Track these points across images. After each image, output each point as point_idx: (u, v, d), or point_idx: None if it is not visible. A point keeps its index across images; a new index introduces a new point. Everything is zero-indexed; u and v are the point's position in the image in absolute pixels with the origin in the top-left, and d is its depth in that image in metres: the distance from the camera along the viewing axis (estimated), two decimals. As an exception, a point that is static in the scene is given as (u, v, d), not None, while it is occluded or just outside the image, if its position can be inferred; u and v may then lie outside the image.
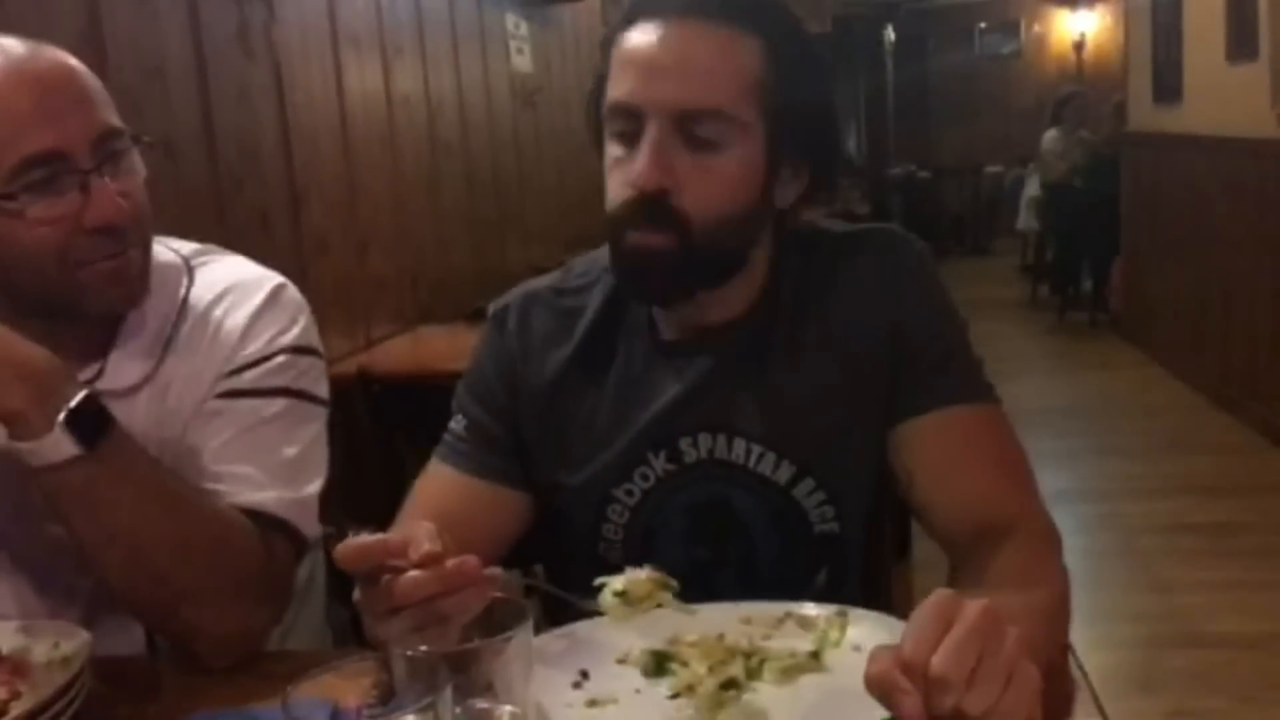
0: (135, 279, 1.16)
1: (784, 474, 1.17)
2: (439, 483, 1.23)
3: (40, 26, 1.89)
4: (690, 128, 1.06)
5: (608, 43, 1.13)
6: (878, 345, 1.17)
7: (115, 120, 1.13)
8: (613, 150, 1.11)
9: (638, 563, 1.14)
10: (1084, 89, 8.00)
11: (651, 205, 1.07)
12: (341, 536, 1.48)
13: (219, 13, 2.48)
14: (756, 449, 1.18)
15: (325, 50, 3.01)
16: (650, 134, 1.05)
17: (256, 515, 1.15)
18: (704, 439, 1.19)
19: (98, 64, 2.05)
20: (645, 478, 1.20)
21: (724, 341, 1.19)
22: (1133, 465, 4.45)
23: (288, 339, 1.23)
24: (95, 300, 1.14)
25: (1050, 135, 7.75)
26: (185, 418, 1.19)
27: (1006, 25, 11.78)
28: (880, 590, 1.33)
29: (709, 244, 1.09)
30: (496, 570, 0.93)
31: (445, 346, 3.20)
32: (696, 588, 1.15)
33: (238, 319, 1.22)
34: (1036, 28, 11.72)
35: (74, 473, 1.02)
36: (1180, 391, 5.42)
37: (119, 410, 1.13)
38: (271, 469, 1.18)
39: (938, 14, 11.50)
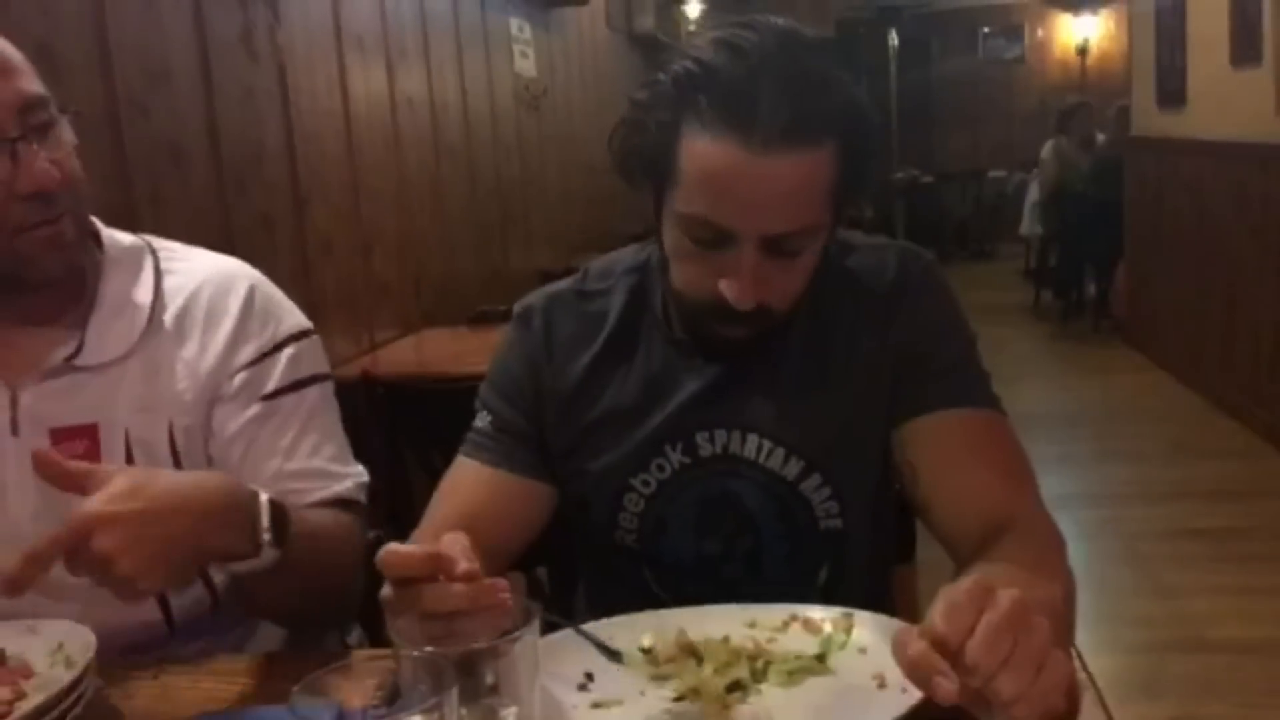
0: (71, 245, 1.19)
1: (792, 469, 1.21)
2: (466, 477, 1.26)
3: (45, 29, 1.90)
4: (778, 245, 1.08)
5: (667, 123, 1.08)
6: (888, 352, 1.20)
7: (39, 89, 1.14)
8: (685, 244, 1.11)
9: (651, 549, 1.23)
10: (1089, 100, 7.96)
11: (735, 314, 1.10)
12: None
13: (223, 16, 2.49)
14: (768, 444, 1.21)
15: (330, 53, 3.02)
16: (744, 258, 1.07)
17: (347, 502, 1.26)
18: (719, 434, 1.22)
19: (103, 67, 2.07)
20: (661, 469, 1.24)
21: (741, 341, 1.22)
22: (1136, 470, 4.45)
23: (289, 326, 1.30)
24: (33, 267, 1.16)
25: (1048, 146, 7.76)
26: (184, 404, 1.23)
27: (1010, 30, 11.78)
28: (883, 590, 1.35)
29: (784, 317, 1.16)
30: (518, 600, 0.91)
31: (449, 350, 3.21)
32: (704, 580, 1.20)
33: (228, 311, 1.26)
34: (1040, 32, 11.73)
35: (267, 564, 1.10)
36: (1183, 396, 5.41)
37: (104, 381, 1.18)
38: (336, 455, 1.29)
39: (941, 18, 11.50)
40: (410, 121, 3.48)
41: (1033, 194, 8.29)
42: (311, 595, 1.18)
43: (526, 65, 4.74)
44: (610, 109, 1.36)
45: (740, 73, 1.04)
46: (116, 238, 1.28)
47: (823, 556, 1.24)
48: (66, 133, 1.17)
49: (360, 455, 1.34)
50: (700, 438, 1.22)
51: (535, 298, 1.31)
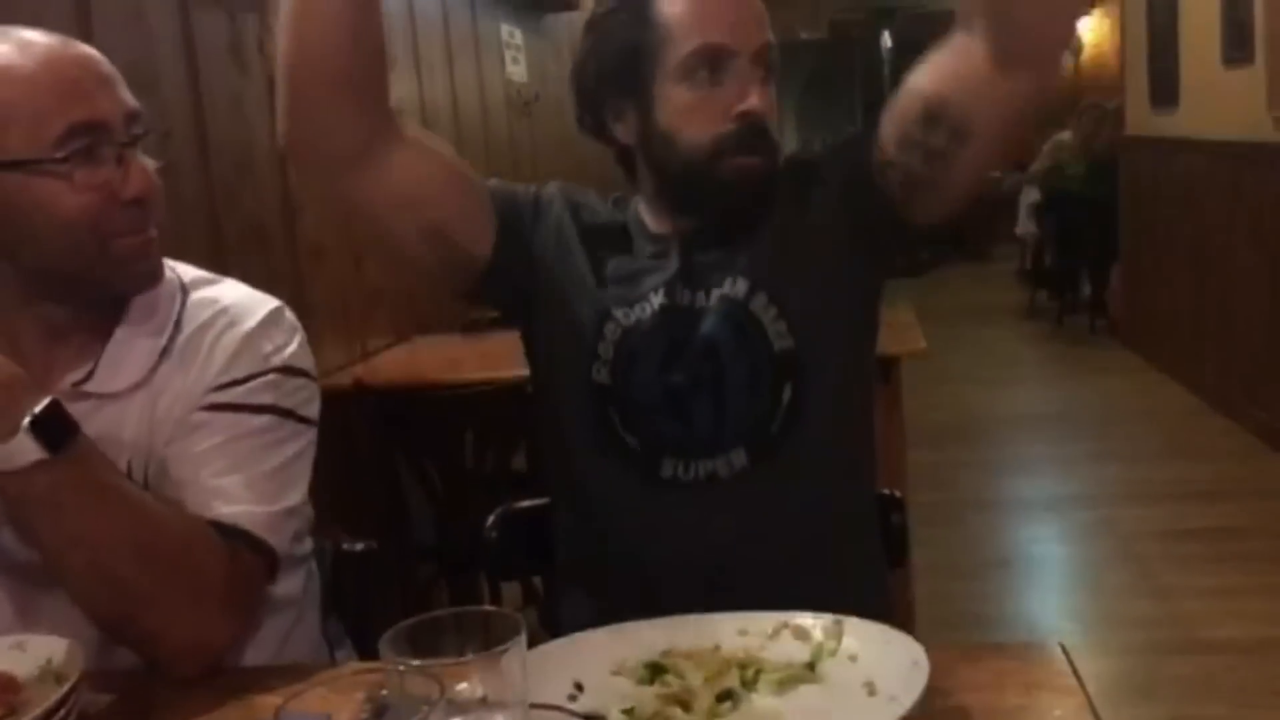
0: (156, 259, 1.21)
1: (740, 289, 1.33)
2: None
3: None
4: (765, 59, 1.31)
5: (636, 10, 1.31)
6: (832, 188, 1.36)
7: (137, 104, 1.18)
8: (685, 94, 1.29)
9: (622, 385, 1.33)
10: (1102, 103, 7.91)
11: (755, 131, 1.29)
12: (336, 549, 1.49)
13: (211, 25, 2.49)
14: (725, 273, 1.34)
15: (320, 61, 3.01)
16: (746, 70, 1.28)
17: (225, 528, 1.17)
18: (696, 291, 1.35)
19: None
20: (643, 310, 1.36)
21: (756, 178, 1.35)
22: (1131, 470, 4.45)
23: (280, 358, 1.25)
24: (122, 275, 1.18)
25: (1056, 139, 7.77)
26: (170, 428, 1.21)
27: (1002, 31, 11.80)
28: (855, 420, 1.42)
29: (779, 159, 1.34)
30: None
31: (441, 357, 3.21)
32: (672, 415, 1.32)
33: (233, 336, 1.24)
34: (1033, 33, 11.73)
35: (38, 478, 1.05)
36: (1179, 396, 5.42)
37: (109, 412, 1.17)
38: (246, 483, 1.19)
39: (934, 20, 11.52)
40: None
41: (1028, 195, 8.30)
42: (130, 584, 1.09)
43: (518, 70, 4.74)
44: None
45: None
46: None
47: (782, 377, 1.32)
48: (151, 151, 1.20)
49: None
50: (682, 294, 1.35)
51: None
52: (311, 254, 2.88)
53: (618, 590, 1.35)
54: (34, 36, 1.14)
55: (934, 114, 1.23)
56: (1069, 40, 1.26)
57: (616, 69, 1.33)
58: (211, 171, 2.46)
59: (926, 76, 1.26)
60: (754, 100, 1.29)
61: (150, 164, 1.18)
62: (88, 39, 2.06)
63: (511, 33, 4.73)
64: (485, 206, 1.38)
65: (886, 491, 1.60)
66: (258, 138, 2.67)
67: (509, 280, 1.39)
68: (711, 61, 1.29)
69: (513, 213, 1.40)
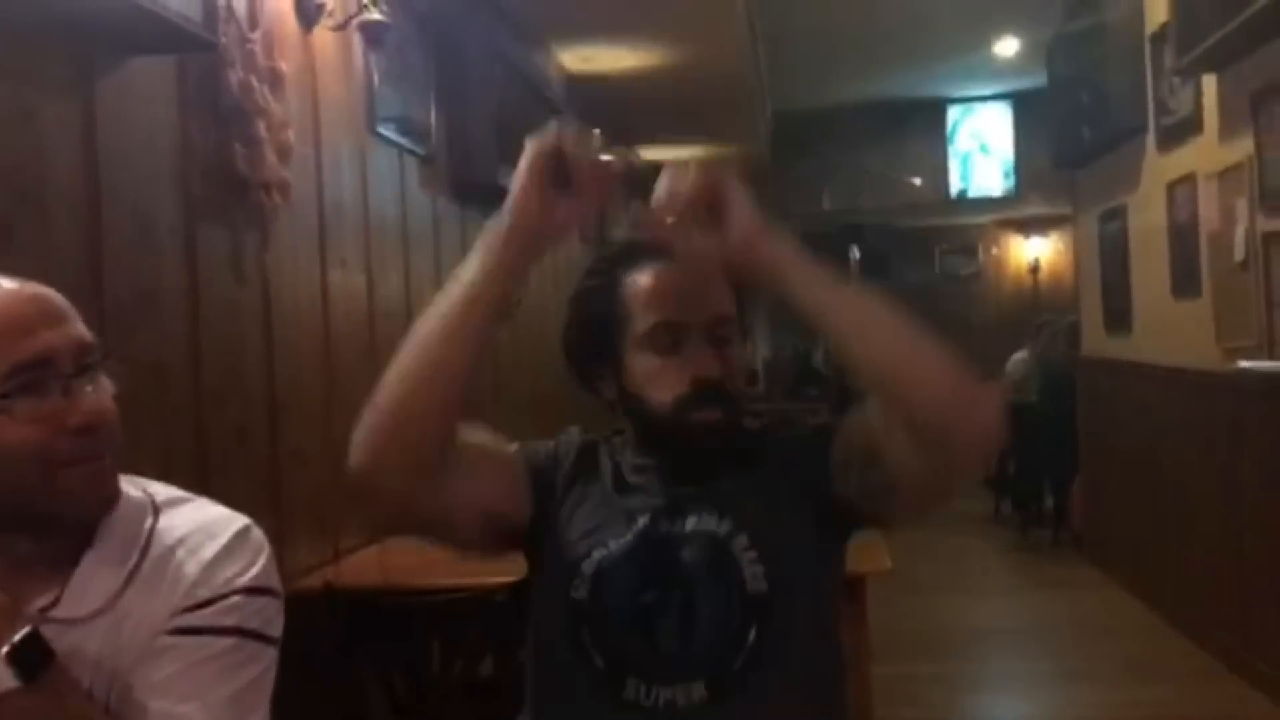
0: (110, 484, 1.23)
1: (724, 528, 1.43)
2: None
3: (41, 271, 2.01)
4: (717, 331, 1.46)
5: (606, 291, 1.49)
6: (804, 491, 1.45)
7: (89, 335, 1.23)
8: (650, 361, 1.46)
9: (596, 602, 1.41)
10: (1054, 319, 8.19)
11: (712, 390, 1.44)
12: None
13: (214, 241, 2.61)
14: (705, 510, 1.44)
15: (314, 272, 3.15)
16: (699, 340, 1.44)
17: None
18: (677, 520, 1.45)
19: (94, 290, 2.15)
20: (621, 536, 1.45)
21: (714, 429, 1.48)
22: (1096, 692, 4.43)
23: (245, 580, 1.27)
24: (71, 503, 1.19)
25: (1015, 358, 8.02)
26: (136, 652, 1.21)
27: (965, 248, 12.33)
28: (820, 670, 1.45)
29: (740, 412, 1.49)
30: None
31: (413, 559, 3.20)
32: (639, 631, 1.39)
33: (199, 560, 1.26)
34: (994, 251, 12.26)
35: (9, 706, 1.07)
36: (1141, 614, 5.43)
37: (73, 637, 1.17)
38: (209, 707, 1.20)
39: (900, 235, 12.01)
40: (388, 334, 3.59)
41: (990, 406, 8.45)
42: None
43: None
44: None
45: (646, 242, 1.47)
46: (126, 493, 1.29)
47: (750, 619, 1.38)
48: (107, 381, 1.24)
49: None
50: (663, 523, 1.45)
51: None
52: (292, 454, 2.93)
53: None
54: None
55: (873, 459, 1.35)
56: (983, 440, 1.30)
57: (594, 338, 1.51)
58: (202, 374, 2.53)
59: (876, 416, 1.35)
60: (704, 368, 1.43)
61: (108, 389, 1.22)
62: (98, 254, 2.19)
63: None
64: (520, 479, 1.52)
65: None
66: (249, 343, 2.77)
67: (543, 530, 1.50)
68: (667, 333, 1.45)
69: (541, 476, 1.54)
